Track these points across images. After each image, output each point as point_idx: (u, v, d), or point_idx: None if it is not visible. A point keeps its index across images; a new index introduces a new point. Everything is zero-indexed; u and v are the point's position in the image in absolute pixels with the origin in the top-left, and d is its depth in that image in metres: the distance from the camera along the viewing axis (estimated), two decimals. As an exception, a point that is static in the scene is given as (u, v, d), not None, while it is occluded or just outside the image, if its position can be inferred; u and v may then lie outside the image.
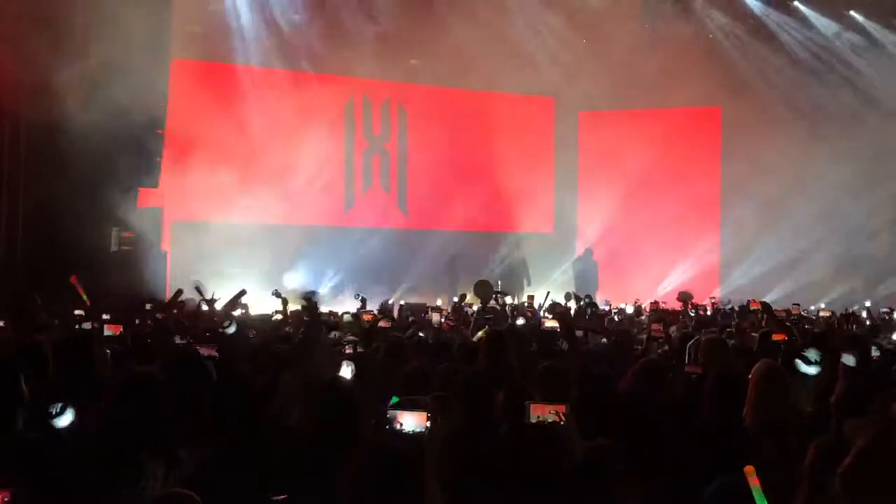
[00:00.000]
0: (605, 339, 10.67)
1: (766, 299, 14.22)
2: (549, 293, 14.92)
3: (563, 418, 4.86)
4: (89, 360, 6.82)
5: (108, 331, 8.70)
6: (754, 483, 3.23)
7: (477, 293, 16.61)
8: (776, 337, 8.49)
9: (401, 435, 4.46)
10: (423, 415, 4.49)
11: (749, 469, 3.31)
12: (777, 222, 21.90)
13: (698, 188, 23.67)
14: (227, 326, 8.93)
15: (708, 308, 17.20)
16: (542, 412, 4.92)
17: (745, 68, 22.65)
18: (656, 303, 17.88)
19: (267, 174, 20.34)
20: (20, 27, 15.42)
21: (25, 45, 15.20)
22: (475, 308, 14.58)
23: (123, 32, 16.22)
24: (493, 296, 14.99)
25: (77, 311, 11.48)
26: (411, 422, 4.49)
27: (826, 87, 22.17)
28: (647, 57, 21.85)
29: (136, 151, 17.51)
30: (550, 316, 12.53)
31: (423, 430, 4.44)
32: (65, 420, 5.06)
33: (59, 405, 5.06)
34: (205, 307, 12.62)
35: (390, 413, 4.60)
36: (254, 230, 20.29)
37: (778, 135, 21.51)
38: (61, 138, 16.06)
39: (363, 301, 15.21)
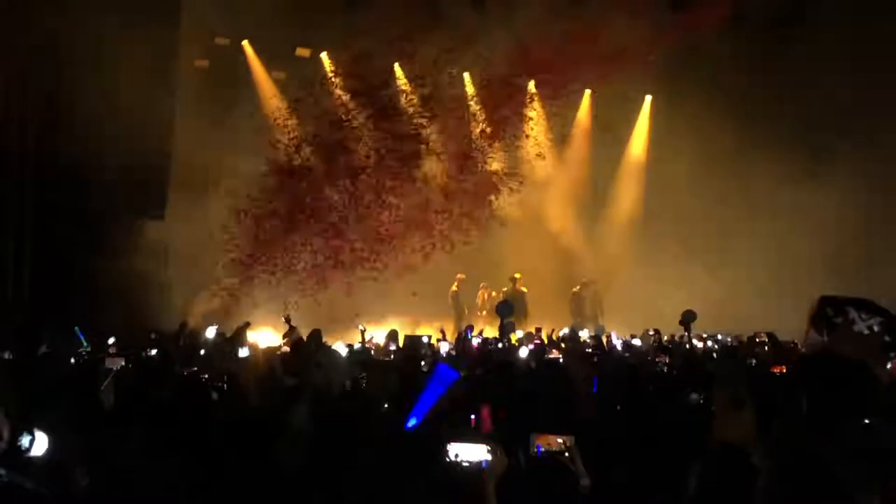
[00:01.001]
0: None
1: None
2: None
3: (568, 449, 4.90)
4: (93, 391, 6.82)
5: (111, 363, 8.74)
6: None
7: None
8: (775, 369, 8.44)
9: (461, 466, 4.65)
10: (484, 447, 4.65)
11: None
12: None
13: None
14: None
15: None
16: (548, 443, 4.97)
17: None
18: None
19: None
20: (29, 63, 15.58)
21: (32, 80, 15.38)
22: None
23: (130, 70, 16.32)
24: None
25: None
26: (472, 454, 4.67)
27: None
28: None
29: (143, 185, 17.56)
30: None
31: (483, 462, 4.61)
32: (39, 448, 5.01)
33: (28, 437, 5.03)
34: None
35: (451, 445, 4.74)
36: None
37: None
38: (68, 171, 16.09)
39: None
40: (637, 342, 16.66)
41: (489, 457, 4.59)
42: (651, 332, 17.09)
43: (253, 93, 21.51)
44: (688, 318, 13.88)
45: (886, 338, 2.34)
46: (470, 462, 4.69)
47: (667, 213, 22.85)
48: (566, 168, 23.83)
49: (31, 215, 17.12)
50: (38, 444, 4.70)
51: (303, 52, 22.20)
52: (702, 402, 7.00)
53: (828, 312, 2.47)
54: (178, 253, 18.76)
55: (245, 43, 21.56)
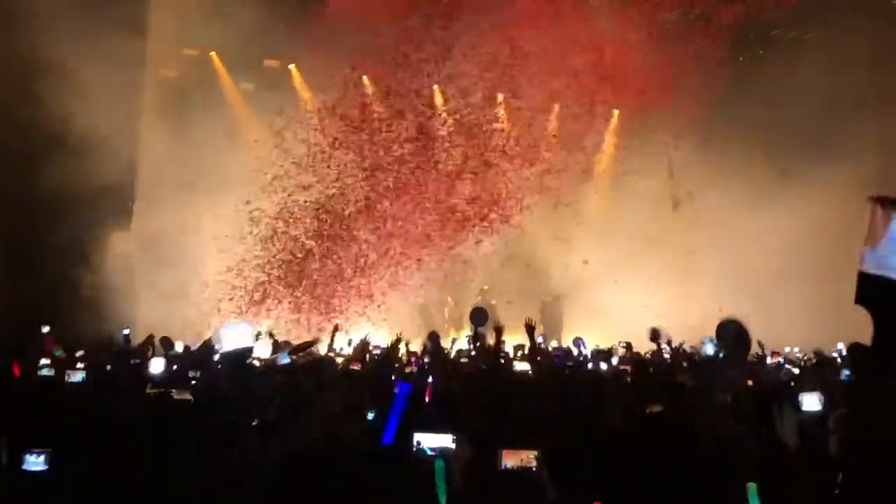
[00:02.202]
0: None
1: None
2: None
3: (536, 464, 4.93)
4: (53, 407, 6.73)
5: (73, 376, 8.68)
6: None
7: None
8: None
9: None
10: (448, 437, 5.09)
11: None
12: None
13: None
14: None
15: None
16: (515, 459, 5.00)
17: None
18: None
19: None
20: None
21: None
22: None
23: (97, 81, 16.25)
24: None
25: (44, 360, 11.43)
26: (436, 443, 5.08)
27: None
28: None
29: (109, 198, 17.49)
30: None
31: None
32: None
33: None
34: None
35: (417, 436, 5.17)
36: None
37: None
38: (35, 183, 15.99)
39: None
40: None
41: (453, 446, 4.86)
42: (622, 344, 17.11)
43: (221, 104, 21.34)
44: (655, 336, 14.03)
45: None
46: (434, 451, 4.99)
47: (638, 228, 22.84)
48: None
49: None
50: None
51: (272, 63, 22.02)
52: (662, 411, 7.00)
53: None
54: (144, 264, 18.60)
55: (213, 54, 21.43)
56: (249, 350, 6.67)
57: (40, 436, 5.58)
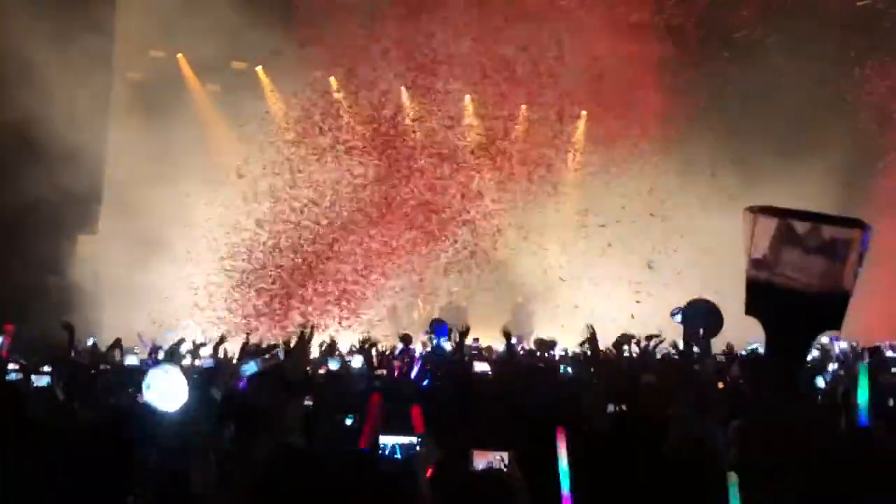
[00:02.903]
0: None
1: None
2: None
3: (507, 465, 4.99)
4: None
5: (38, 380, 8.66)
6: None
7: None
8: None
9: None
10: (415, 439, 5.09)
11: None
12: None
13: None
14: None
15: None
16: (487, 459, 5.07)
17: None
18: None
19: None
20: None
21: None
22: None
23: (63, 84, 16.23)
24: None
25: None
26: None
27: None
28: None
29: (75, 201, 17.47)
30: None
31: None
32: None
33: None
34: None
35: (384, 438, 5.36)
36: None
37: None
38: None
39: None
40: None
41: (419, 447, 4.75)
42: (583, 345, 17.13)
43: (189, 106, 21.34)
44: (621, 341, 14.17)
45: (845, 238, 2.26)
46: (401, 453, 5.19)
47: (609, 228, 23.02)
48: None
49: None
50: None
51: (238, 65, 22.02)
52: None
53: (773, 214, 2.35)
54: (109, 268, 18.57)
55: (180, 56, 21.39)
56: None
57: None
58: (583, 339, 14.21)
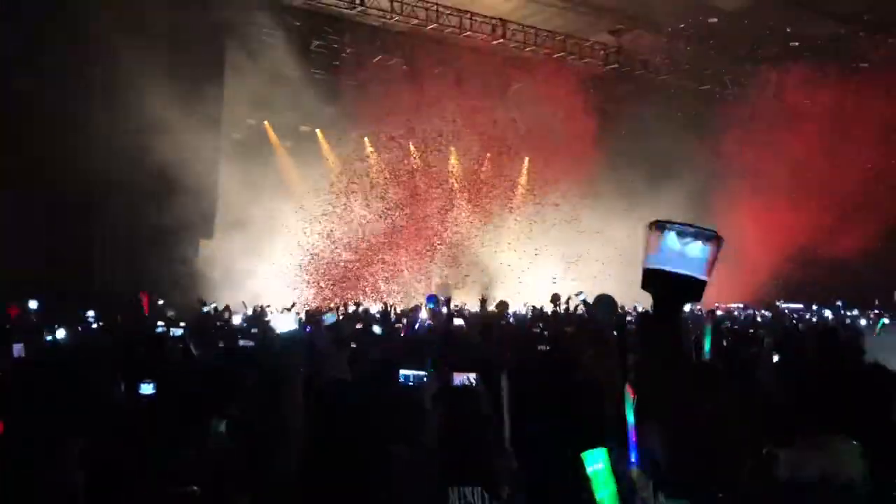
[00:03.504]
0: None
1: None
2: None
3: (474, 381, 5.09)
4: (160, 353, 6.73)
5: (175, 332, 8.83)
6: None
7: None
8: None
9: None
10: (423, 372, 5.24)
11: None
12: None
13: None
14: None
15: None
16: (462, 377, 5.18)
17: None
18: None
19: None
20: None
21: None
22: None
23: (189, 142, 16.63)
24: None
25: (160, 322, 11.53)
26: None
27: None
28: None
29: (199, 218, 17.72)
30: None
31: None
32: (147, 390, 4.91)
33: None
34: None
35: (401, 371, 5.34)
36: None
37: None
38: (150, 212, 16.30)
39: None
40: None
41: (426, 378, 4.91)
42: (528, 305, 17.20)
43: (273, 159, 21.59)
44: (554, 299, 14.17)
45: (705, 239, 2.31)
46: (413, 380, 5.16)
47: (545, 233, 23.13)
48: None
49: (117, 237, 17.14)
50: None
51: (305, 128, 22.09)
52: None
53: (660, 225, 2.36)
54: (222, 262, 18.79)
55: (266, 122, 21.44)
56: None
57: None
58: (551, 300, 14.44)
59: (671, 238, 2.27)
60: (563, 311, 13.79)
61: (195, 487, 3.69)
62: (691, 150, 22.14)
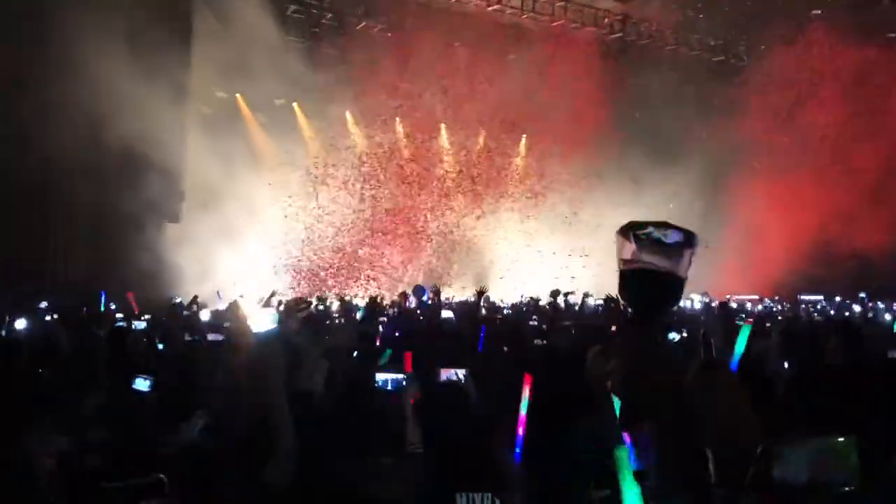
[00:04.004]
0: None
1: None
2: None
3: (462, 378, 5.25)
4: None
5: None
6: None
7: None
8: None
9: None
10: (401, 376, 5.21)
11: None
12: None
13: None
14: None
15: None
16: (449, 373, 5.33)
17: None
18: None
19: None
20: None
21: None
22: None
23: (153, 118, 16.66)
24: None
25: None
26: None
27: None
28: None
29: (164, 199, 17.73)
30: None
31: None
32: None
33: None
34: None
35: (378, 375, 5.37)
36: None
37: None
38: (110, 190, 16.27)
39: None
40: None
41: (405, 382, 4.88)
42: (524, 297, 17.41)
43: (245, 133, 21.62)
44: (554, 294, 14.37)
45: (677, 240, 2.42)
46: (392, 385, 5.17)
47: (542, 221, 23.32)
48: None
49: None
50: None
51: (281, 101, 22.18)
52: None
53: (633, 228, 2.47)
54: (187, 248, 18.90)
55: (238, 95, 21.46)
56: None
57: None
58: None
59: (644, 240, 2.41)
60: (563, 306, 14.01)
61: (161, 476, 3.91)
62: (703, 129, 22.28)
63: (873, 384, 4.41)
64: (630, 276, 2.43)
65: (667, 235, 2.41)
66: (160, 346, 8.14)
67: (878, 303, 19.81)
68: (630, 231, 2.46)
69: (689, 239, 2.42)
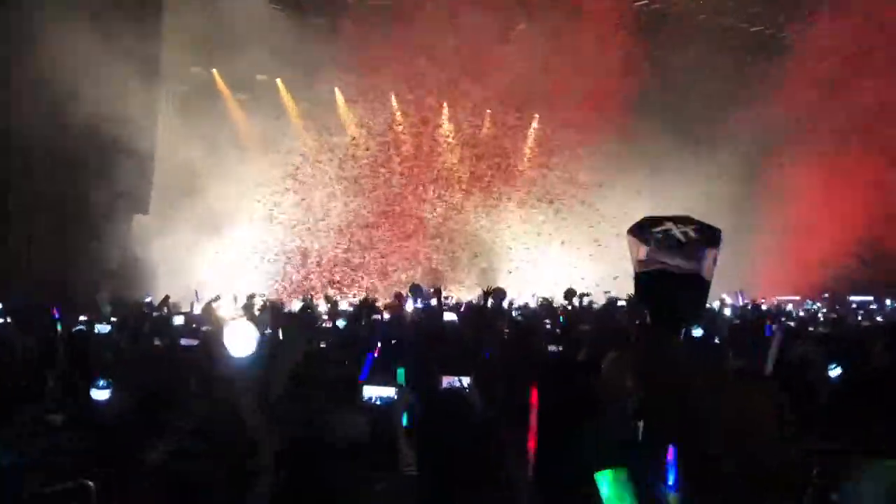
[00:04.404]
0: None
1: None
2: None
3: (466, 385, 5.24)
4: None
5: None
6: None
7: None
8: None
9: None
10: (392, 388, 5.34)
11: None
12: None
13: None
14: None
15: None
16: (449, 380, 5.33)
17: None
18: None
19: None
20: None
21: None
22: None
23: (121, 98, 16.52)
24: None
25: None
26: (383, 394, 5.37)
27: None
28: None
29: (132, 188, 17.66)
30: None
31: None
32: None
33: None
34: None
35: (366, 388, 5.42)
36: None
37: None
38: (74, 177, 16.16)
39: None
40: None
41: (395, 396, 5.00)
42: (537, 297, 17.40)
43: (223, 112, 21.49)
44: (568, 295, 14.39)
45: (699, 238, 2.35)
46: (381, 400, 5.21)
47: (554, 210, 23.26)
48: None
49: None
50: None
51: (262, 78, 22.08)
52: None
53: (648, 226, 2.50)
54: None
55: (215, 71, 21.39)
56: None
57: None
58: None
59: (661, 239, 2.33)
60: (578, 307, 14.00)
61: (88, 482, 3.99)
62: (738, 108, 22.15)
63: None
64: (647, 279, 2.36)
65: (686, 233, 2.34)
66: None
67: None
68: (644, 229, 2.38)
69: (712, 236, 2.36)
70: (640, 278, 2.39)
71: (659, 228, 2.35)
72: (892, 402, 3.67)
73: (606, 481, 2.42)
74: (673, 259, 2.32)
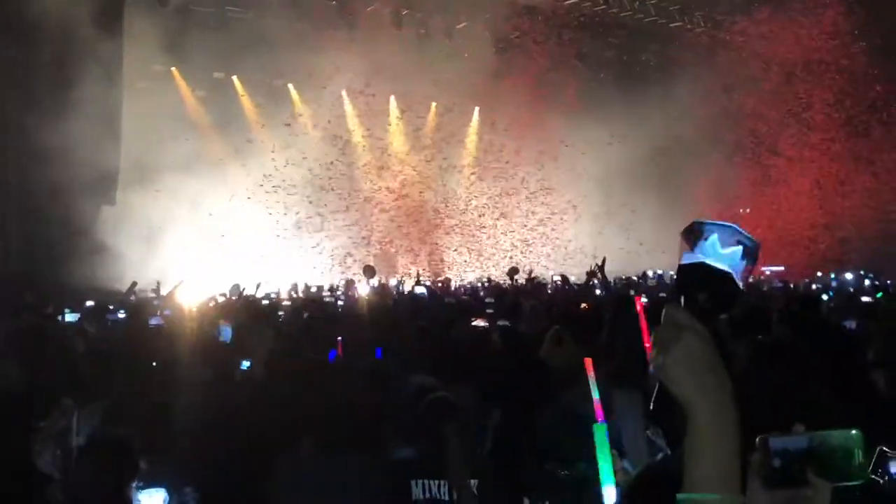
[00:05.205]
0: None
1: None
2: None
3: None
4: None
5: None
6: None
7: None
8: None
9: None
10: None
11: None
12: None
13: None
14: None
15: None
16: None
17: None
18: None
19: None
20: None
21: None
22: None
23: (86, 95, 16.59)
24: None
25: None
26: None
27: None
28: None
29: (98, 179, 17.73)
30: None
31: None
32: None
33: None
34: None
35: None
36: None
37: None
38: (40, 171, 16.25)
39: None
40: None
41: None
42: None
43: (182, 109, 21.70)
44: (511, 273, 14.75)
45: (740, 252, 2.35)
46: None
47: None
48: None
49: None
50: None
51: (219, 76, 22.30)
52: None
53: (692, 231, 2.41)
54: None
55: (174, 69, 21.48)
56: None
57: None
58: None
59: (712, 239, 2.36)
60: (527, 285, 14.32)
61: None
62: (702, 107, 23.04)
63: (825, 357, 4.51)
64: (686, 268, 2.38)
65: (725, 242, 2.35)
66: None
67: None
68: (691, 233, 2.41)
69: (752, 251, 2.37)
70: (681, 269, 2.41)
71: (701, 232, 2.36)
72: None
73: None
74: (710, 259, 2.35)
